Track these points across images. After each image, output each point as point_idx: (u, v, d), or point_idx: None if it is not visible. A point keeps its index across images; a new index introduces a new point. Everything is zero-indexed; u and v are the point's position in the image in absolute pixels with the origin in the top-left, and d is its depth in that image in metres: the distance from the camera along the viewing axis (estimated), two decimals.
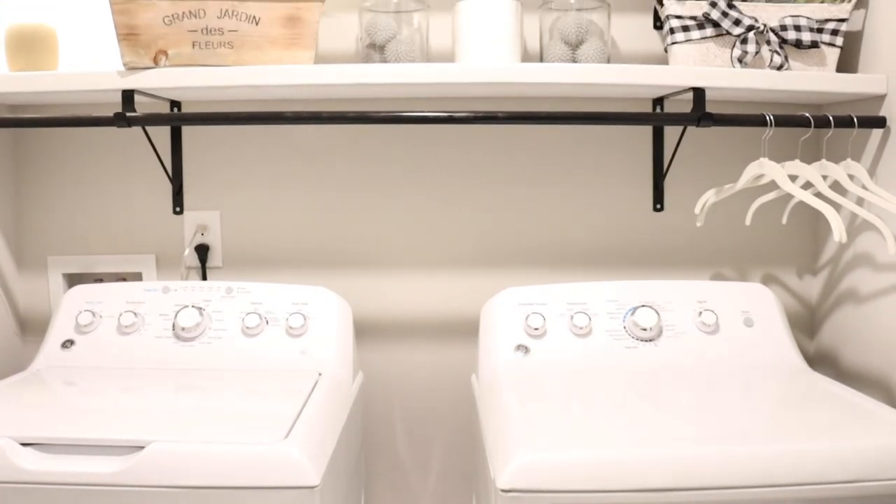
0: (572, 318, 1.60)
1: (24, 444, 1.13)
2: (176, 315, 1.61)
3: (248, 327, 1.60)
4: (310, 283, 1.87)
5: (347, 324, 1.65)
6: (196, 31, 1.54)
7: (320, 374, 1.52)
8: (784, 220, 1.72)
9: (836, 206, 1.71)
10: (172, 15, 1.53)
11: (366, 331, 1.90)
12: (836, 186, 1.64)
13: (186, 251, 1.87)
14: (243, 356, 1.58)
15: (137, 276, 1.87)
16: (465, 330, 1.90)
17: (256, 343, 1.60)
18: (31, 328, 1.90)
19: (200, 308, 1.62)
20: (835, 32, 1.63)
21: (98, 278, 1.88)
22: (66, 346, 1.60)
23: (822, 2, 1.66)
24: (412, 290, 1.90)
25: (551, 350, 1.58)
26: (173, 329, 1.61)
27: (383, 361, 1.91)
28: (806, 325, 1.91)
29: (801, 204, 1.76)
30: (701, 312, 1.61)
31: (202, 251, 1.86)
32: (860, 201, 1.65)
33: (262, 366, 1.56)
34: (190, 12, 1.53)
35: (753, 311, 1.63)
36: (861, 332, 1.69)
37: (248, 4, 1.54)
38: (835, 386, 1.43)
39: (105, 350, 1.59)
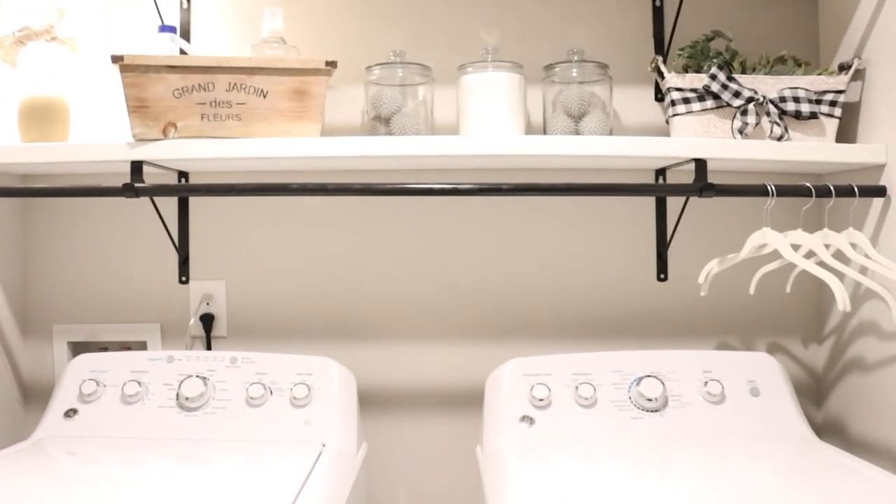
0: (577, 388, 1.59)
1: None
2: (180, 385, 1.61)
3: (252, 397, 1.59)
4: (315, 353, 1.86)
5: (351, 394, 1.64)
6: (205, 103, 1.57)
7: (324, 446, 1.51)
8: (788, 289, 1.72)
9: (840, 275, 1.71)
10: (182, 88, 1.56)
11: (370, 401, 1.89)
12: (839, 255, 1.64)
13: (192, 320, 1.87)
14: (247, 426, 1.57)
15: (142, 345, 1.87)
16: (470, 400, 1.89)
17: (260, 413, 1.59)
18: (35, 397, 1.89)
19: (204, 378, 1.62)
20: (833, 103, 1.65)
21: (103, 347, 1.88)
22: (69, 416, 1.59)
23: (820, 74, 1.69)
24: (416, 360, 1.89)
25: (556, 421, 1.56)
26: (177, 399, 1.60)
27: (387, 432, 1.89)
28: (813, 394, 1.90)
29: (805, 272, 1.76)
30: (706, 382, 1.60)
31: (207, 320, 1.86)
32: (863, 270, 1.66)
33: (266, 436, 1.55)
34: (199, 85, 1.56)
35: (759, 380, 1.62)
36: (869, 401, 1.68)
37: (256, 78, 1.57)
38: (843, 456, 1.41)
39: (108, 419, 1.58)
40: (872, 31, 1.68)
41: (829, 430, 1.84)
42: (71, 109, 1.71)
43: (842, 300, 1.46)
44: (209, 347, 1.87)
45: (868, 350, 1.69)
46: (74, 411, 1.60)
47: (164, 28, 1.73)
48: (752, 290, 1.70)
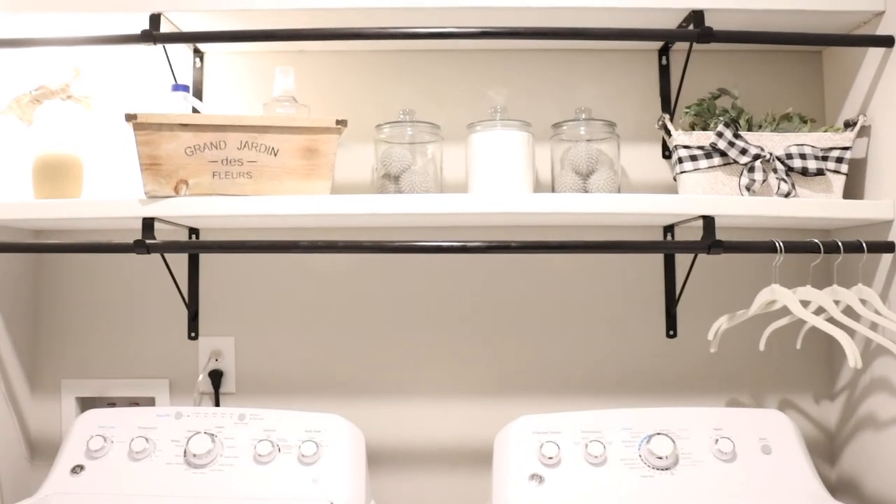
0: (587, 446, 1.58)
1: None
2: (188, 441, 1.60)
3: (259, 454, 1.58)
4: (323, 410, 1.86)
5: (360, 452, 1.63)
6: (216, 161, 1.59)
7: None
8: (798, 346, 1.72)
9: (850, 331, 1.71)
10: (194, 146, 1.58)
11: (378, 458, 1.88)
12: (849, 311, 1.64)
13: (200, 377, 1.87)
14: (254, 484, 1.56)
15: (150, 401, 1.87)
16: (479, 458, 1.87)
17: (268, 471, 1.58)
18: (42, 452, 1.88)
19: (213, 434, 1.61)
20: (839, 160, 1.66)
21: (111, 402, 1.87)
22: (76, 472, 1.59)
23: (826, 131, 1.70)
24: (425, 418, 1.89)
25: (566, 479, 1.55)
26: (185, 455, 1.60)
27: (396, 490, 1.87)
28: (826, 451, 1.88)
29: (815, 328, 1.76)
30: (717, 440, 1.59)
31: (216, 377, 1.86)
32: (874, 326, 1.65)
33: (274, 494, 1.54)
34: (211, 143, 1.58)
35: (771, 437, 1.61)
36: (883, 458, 1.66)
37: (267, 136, 1.59)
38: None
39: (115, 476, 1.58)
40: (877, 88, 1.70)
41: (844, 488, 1.82)
42: (84, 166, 1.74)
43: (853, 357, 1.45)
44: (217, 403, 1.86)
45: (881, 407, 1.67)
46: (81, 467, 1.59)
47: (178, 87, 1.76)
48: (762, 347, 1.70)
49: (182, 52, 1.90)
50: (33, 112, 1.71)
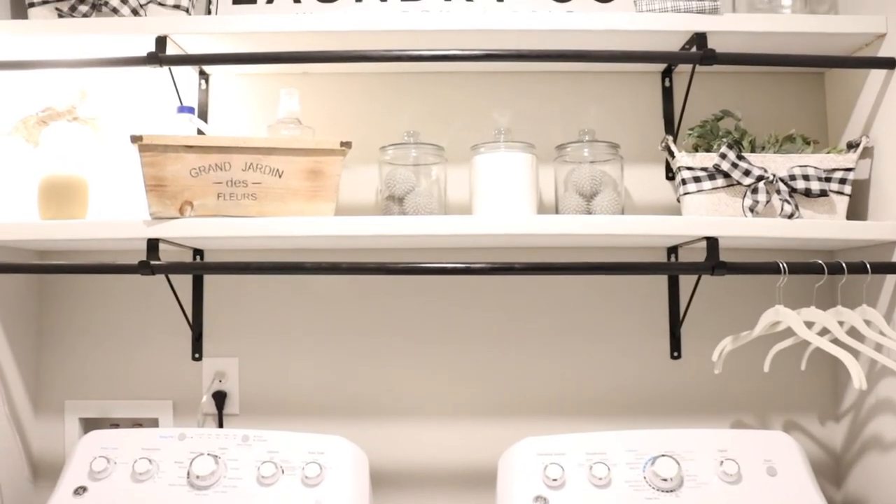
0: (591, 468, 1.57)
1: None
2: (191, 463, 1.60)
3: (263, 476, 1.58)
4: (327, 431, 1.85)
5: (363, 473, 1.63)
6: (221, 182, 1.59)
7: None
8: (803, 367, 1.71)
9: (855, 353, 1.70)
10: (199, 167, 1.58)
11: (382, 480, 1.87)
12: (854, 332, 1.64)
13: (204, 398, 1.87)
14: None
15: (154, 422, 1.87)
16: (483, 480, 1.86)
17: (271, 492, 1.57)
18: (45, 473, 1.88)
19: (216, 456, 1.61)
20: (843, 181, 1.67)
21: (114, 423, 1.87)
22: (79, 493, 1.58)
23: (829, 152, 1.71)
24: (429, 439, 1.88)
25: (570, 501, 1.54)
26: (188, 477, 1.59)
27: None
28: (832, 473, 1.87)
29: (820, 350, 1.75)
30: (722, 462, 1.58)
31: (219, 398, 1.86)
32: (878, 347, 1.65)
33: None
34: (216, 165, 1.59)
35: (776, 459, 1.60)
36: (890, 480, 1.65)
37: (271, 158, 1.60)
38: None
39: (118, 498, 1.57)
40: (879, 109, 1.70)
41: None
42: (90, 187, 1.75)
43: (857, 378, 1.45)
44: (221, 425, 1.86)
45: (887, 428, 1.67)
46: (84, 489, 1.59)
47: (183, 108, 1.77)
48: (766, 368, 1.69)
49: (187, 73, 1.92)
50: (39, 133, 1.72)
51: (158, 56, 1.65)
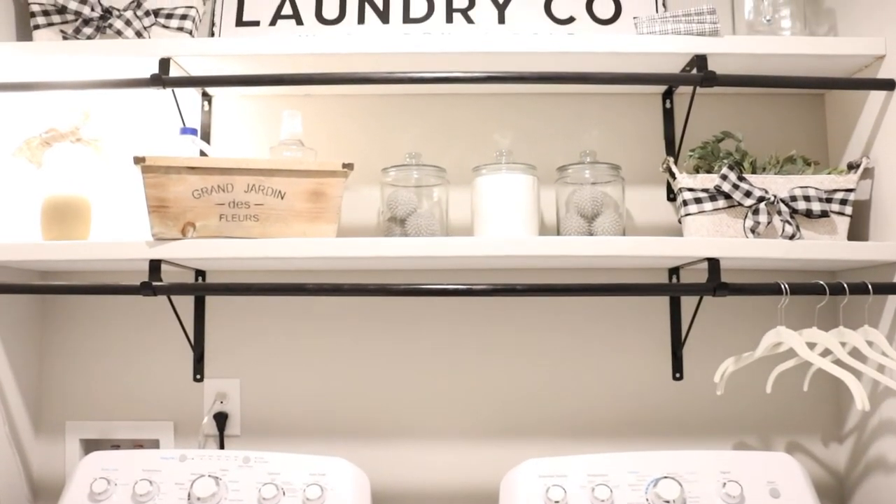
0: (593, 490, 1.56)
1: None
2: (192, 484, 1.59)
3: (264, 498, 1.57)
4: (328, 453, 1.85)
5: (365, 495, 1.62)
6: (223, 204, 1.60)
7: None
8: (805, 388, 1.71)
9: (857, 373, 1.70)
10: (202, 189, 1.59)
11: (383, 502, 1.86)
12: (856, 353, 1.64)
13: (205, 419, 1.86)
14: None
15: (155, 444, 1.86)
16: (485, 502, 1.86)
17: None
18: (45, 494, 1.87)
19: (217, 477, 1.60)
20: (844, 202, 1.67)
21: (115, 444, 1.87)
22: None
23: (829, 173, 1.71)
24: (430, 461, 1.87)
25: None
26: (189, 499, 1.58)
27: None
28: (835, 495, 1.86)
29: (822, 371, 1.75)
30: (725, 483, 1.57)
31: (221, 419, 1.86)
32: (881, 368, 1.64)
33: None
34: (219, 186, 1.59)
35: (779, 481, 1.59)
36: (893, 502, 1.64)
37: (274, 179, 1.60)
38: None
39: None
40: (879, 130, 1.71)
41: None
42: (93, 208, 1.75)
43: (860, 399, 1.45)
44: (222, 446, 1.86)
45: (890, 449, 1.66)
46: None
47: (186, 130, 1.78)
48: (768, 389, 1.69)
49: (190, 95, 1.93)
50: (43, 154, 1.72)
51: (162, 78, 1.66)
